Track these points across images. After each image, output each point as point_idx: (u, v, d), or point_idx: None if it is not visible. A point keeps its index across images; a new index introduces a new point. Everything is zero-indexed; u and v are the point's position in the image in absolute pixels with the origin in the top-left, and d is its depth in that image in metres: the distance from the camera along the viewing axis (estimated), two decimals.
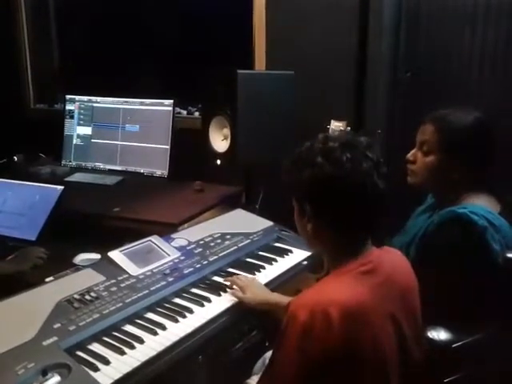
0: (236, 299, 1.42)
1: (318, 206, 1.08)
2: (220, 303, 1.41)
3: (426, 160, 1.47)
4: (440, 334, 1.14)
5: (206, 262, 1.57)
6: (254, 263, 1.66)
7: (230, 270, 1.61)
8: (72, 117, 2.60)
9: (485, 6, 2.08)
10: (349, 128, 2.05)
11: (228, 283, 1.48)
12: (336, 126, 2.08)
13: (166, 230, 1.77)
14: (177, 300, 1.41)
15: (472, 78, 2.15)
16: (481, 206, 1.36)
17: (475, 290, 1.25)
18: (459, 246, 1.30)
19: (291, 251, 1.74)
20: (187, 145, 2.29)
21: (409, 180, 1.54)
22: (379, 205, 1.07)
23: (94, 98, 2.57)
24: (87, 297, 1.30)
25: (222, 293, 1.45)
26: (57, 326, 1.18)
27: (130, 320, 1.29)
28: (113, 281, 1.39)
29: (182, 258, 1.57)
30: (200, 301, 1.40)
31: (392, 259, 1.15)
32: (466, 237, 1.30)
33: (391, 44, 2.25)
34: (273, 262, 1.67)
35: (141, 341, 1.20)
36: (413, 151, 1.52)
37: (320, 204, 1.07)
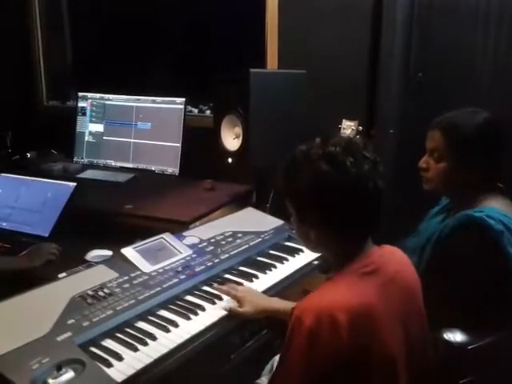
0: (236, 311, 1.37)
1: (323, 213, 1.06)
2: (231, 301, 1.41)
3: (438, 167, 1.45)
4: (456, 336, 1.14)
5: (217, 260, 1.58)
6: (265, 262, 1.66)
7: (242, 268, 1.61)
8: (84, 114, 2.62)
9: (498, 5, 2.06)
10: (361, 127, 2.04)
11: (222, 292, 1.43)
12: (348, 125, 2.08)
13: (177, 227, 1.78)
14: (189, 297, 1.42)
15: (484, 77, 2.13)
16: (497, 208, 1.35)
17: (491, 293, 1.24)
18: (475, 250, 1.28)
19: (302, 250, 1.74)
20: (198, 143, 2.29)
21: (424, 187, 1.52)
22: (379, 203, 1.07)
23: (106, 96, 2.58)
24: (100, 293, 1.32)
25: (217, 301, 1.41)
26: (71, 321, 1.19)
27: (142, 317, 1.30)
28: (125, 277, 1.41)
29: (194, 255, 1.58)
30: (212, 299, 1.41)
31: (394, 259, 1.15)
32: (482, 242, 1.28)
33: (404, 43, 2.23)
34: (284, 261, 1.67)
35: (153, 337, 1.21)
36: (424, 158, 1.50)
37: (325, 211, 1.05)
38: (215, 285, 1.48)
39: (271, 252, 1.73)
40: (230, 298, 1.41)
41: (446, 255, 1.36)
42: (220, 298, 1.42)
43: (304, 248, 1.74)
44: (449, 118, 1.45)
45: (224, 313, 1.35)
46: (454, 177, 1.43)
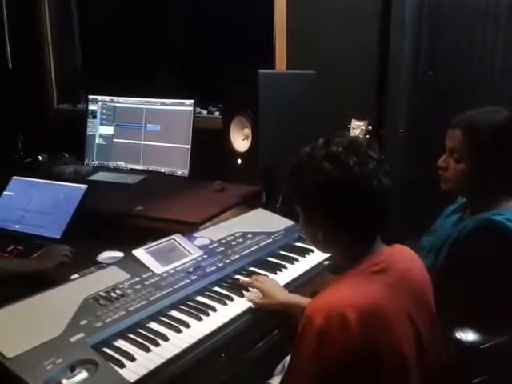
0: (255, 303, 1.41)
1: (328, 213, 1.06)
2: (242, 302, 1.42)
3: (458, 167, 1.41)
4: (468, 335, 1.13)
5: (228, 261, 1.59)
6: (276, 262, 1.66)
7: (252, 269, 1.61)
8: (95, 117, 2.64)
9: (508, 4, 2.05)
10: (370, 127, 2.04)
11: (246, 283, 1.49)
12: (357, 125, 2.07)
13: (188, 228, 1.79)
14: (200, 298, 1.42)
15: (494, 76, 2.12)
16: None
17: (507, 295, 1.22)
18: (494, 254, 1.25)
19: (312, 251, 1.73)
20: (207, 144, 2.30)
21: (442, 186, 1.48)
22: (386, 203, 1.07)
23: (116, 98, 2.59)
24: (113, 294, 1.32)
25: (244, 292, 1.46)
26: (83, 322, 1.20)
27: (154, 317, 1.31)
28: (137, 279, 1.41)
29: (205, 256, 1.59)
30: (223, 299, 1.41)
31: (404, 257, 1.15)
32: (501, 245, 1.25)
33: (413, 43, 2.23)
34: (294, 262, 1.67)
35: (165, 338, 1.22)
36: (443, 157, 1.46)
37: (330, 210, 1.06)
38: (241, 278, 1.53)
39: (281, 252, 1.74)
40: (246, 294, 1.44)
41: (464, 257, 1.32)
42: (231, 299, 1.42)
43: (314, 248, 1.75)
44: (470, 118, 1.40)
45: (235, 313, 1.36)
46: (474, 178, 1.40)
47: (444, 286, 1.16)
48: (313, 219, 1.10)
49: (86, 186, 2.04)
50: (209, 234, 1.73)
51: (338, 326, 0.96)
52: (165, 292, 1.38)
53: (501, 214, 1.30)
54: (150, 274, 1.45)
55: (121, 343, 1.20)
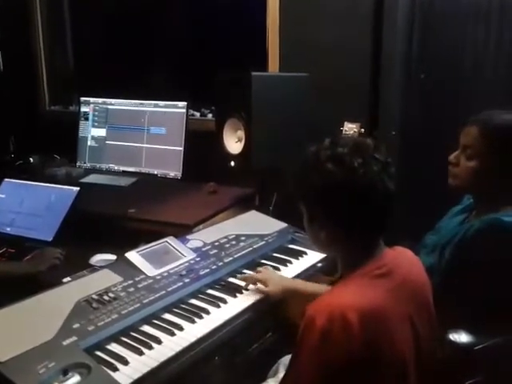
0: (257, 297, 1.43)
1: (331, 213, 1.07)
2: (236, 304, 1.41)
3: (469, 164, 1.40)
4: (461, 337, 1.13)
5: (221, 264, 1.58)
6: (269, 265, 1.65)
7: (245, 271, 1.61)
8: (87, 119, 2.63)
9: (499, 4, 2.07)
10: (363, 130, 2.04)
11: (246, 282, 1.50)
12: (350, 127, 2.08)
13: (181, 231, 1.79)
14: (193, 301, 1.42)
15: (486, 78, 2.13)
16: None
17: (507, 297, 1.21)
18: (500, 255, 1.25)
19: (305, 253, 1.74)
20: (201, 146, 2.30)
21: (450, 182, 1.47)
22: (389, 205, 1.07)
23: (108, 100, 2.58)
24: (105, 297, 1.32)
25: (237, 294, 1.46)
26: (76, 326, 1.20)
27: (147, 320, 1.30)
28: (130, 281, 1.41)
29: (198, 259, 1.58)
30: (216, 302, 1.41)
31: (406, 260, 1.15)
32: (509, 246, 1.24)
33: (405, 45, 2.24)
34: (287, 264, 1.67)
35: (158, 341, 1.22)
36: (455, 153, 1.45)
37: (333, 211, 1.06)
38: (239, 276, 1.55)
39: (275, 255, 1.73)
40: (252, 286, 1.47)
41: (471, 257, 1.31)
42: (224, 302, 1.42)
43: (308, 250, 1.75)
44: (488, 116, 1.40)
45: (229, 316, 1.35)
46: (483, 177, 1.39)
47: (448, 285, 1.15)
48: (315, 219, 1.11)
49: (78, 188, 2.03)
50: (202, 237, 1.72)
51: (340, 327, 0.96)
52: (158, 295, 1.37)
53: (509, 215, 1.29)
54: (143, 276, 1.44)
55: (114, 346, 1.19)
